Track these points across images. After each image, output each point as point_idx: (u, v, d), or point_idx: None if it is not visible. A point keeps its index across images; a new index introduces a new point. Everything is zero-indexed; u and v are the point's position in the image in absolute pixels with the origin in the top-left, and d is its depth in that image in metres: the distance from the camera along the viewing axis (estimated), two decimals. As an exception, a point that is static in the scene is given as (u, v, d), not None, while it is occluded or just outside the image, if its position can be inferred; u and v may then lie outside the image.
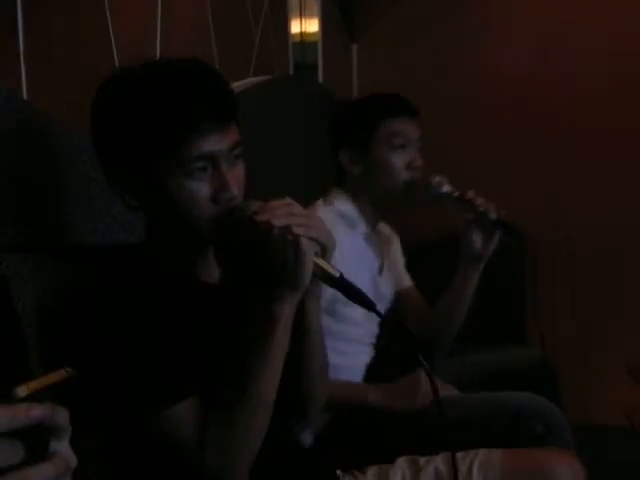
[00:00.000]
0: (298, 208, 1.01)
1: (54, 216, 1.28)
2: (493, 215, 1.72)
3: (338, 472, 1.39)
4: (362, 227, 1.77)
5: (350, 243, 1.67)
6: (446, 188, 1.73)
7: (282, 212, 0.99)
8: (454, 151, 2.90)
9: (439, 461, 1.40)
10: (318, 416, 1.29)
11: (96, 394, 0.99)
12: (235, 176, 1.05)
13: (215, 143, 1.02)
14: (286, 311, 0.99)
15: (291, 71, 2.98)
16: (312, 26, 3.20)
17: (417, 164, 1.71)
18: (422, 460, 1.42)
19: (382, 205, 1.78)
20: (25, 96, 1.49)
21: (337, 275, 1.00)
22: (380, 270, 1.82)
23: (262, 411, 1.01)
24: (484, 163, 2.86)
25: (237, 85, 2.35)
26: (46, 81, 1.48)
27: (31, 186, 1.22)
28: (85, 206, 1.31)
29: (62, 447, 0.54)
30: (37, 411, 0.51)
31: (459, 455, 1.37)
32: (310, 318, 1.11)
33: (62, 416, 0.53)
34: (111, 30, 1.94)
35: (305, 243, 0.97)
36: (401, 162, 1.71)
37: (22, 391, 0.51)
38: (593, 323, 2.76)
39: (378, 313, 1.05)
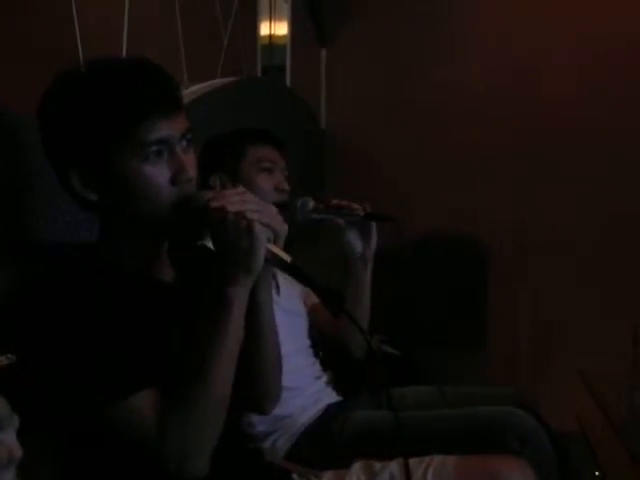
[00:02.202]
0: (251, 196, 1.04)
1: (14, 213, 1.27)
2: (360, 212, 1.76)
3: (294, 476, 1.40)
4: None
5: None
6: (312, 204, 1.77)
7: (236, 199, 1.03)
8: (419, 157, 2.94)
9: (394, 466, 1.42)
10: (272, 409, 1.29)
11: (47, 385, 0.99)
12: (189, 159, 1.08)
13: (168, 129, 1.06)
14: (240, 294, 1.02)
15: (259, 74, 2.97)
16: (281, 29, 3.20)
17: (284, 187, 1.76)
18: (377, 465, 1.44)
19: None
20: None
21: (289, 260, 1.03)
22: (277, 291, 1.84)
23: (220, 396, 1.02)
24: (447, 171, 2.89)
25: (204, 86, 2.35)
26: (9, 78, 1.47)
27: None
28: (46, 204, 1.30)
29: (6, 437, 0.53)
30: None
31: (414, 461, 1.39)
32: (262, 306, 1.14)
33: (3, 405, 0.52)
34: (77, 29, 1.93)
35: (258, 228, 1.00)
36: (270, 184, 1.76)
37: None
38: (550, 326, 2.82)
39: (331, 298, 1.09)
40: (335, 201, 1.78)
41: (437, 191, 2.91)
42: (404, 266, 2.53)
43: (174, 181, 1.06)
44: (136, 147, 1.04)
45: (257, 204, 1.03)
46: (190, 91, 2.26)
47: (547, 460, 1.63)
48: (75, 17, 1.98)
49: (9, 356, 0.51)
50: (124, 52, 2.13)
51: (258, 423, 1.68)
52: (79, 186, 1.08)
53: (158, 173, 1.05)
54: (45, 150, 1.10)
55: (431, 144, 2.94)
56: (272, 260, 1.03)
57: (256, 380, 1.20)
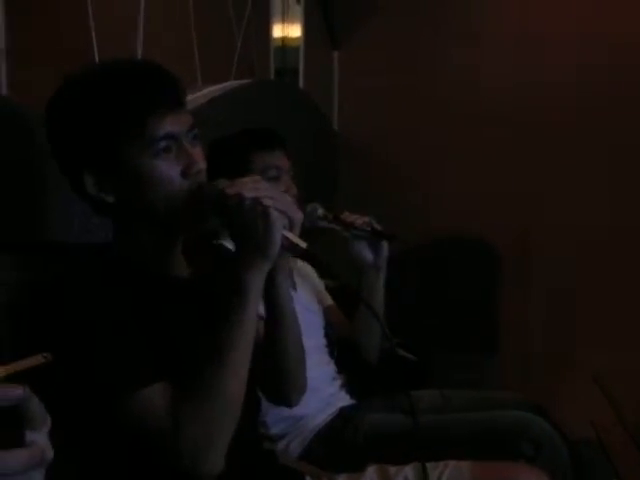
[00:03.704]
0: (266, 184, 1.06)
1: (31, 213, 1.28)
2: (367, 227, 1.76)
3: (308, 479, 1.40)
4: None
5: None
6: (320, 212, 1.76)
7: (252, 186, 1.04)
8: (432, 159, 2.93)
9: (409, 471, 1.41)
10: (299, 401, 1.29)
11: (65, 382, 0.99)
12: (198, 152, 1.11)
13: (174, 124, 1.08)
14: (257, 279, 1.04)
15: (272, 76, 2.97)
16: (294, 31, 3.20)
17: (293, 192, 1.74)
18: (392, 469, 1.43)
19: None
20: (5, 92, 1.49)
21: (304, 246, 1.04)
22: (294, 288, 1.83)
23: (236, 384, 1.02)
24: (460, 172, 2.88)
25: (217, 88, 2.35)
26: (28, 79, 1.48)
27: (8, 182, 1.22)
28: (62, 205, 1.31)
29: (39, 438, 0.53)
30: (17, 391, 0.49)
31: (429, 465, 1.38)
32: (281, 293, 1.15)
33: (37, 405, 0.52)
34: (93, 33, 1.93)
35: (274, 214, 1.02)
36: None
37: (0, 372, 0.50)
38: (563, 329, 2.80)
39: (344, 284, 1.08)
40: (344, 215, 1.78)
41: (450, 193, 2.90)
42: (415, 269, 2.52)
43: (185, 174, 1.07)
44: (145, 144, 1.06)
45: (272, 191, 1.05)
46: (203, 93, 2.26)
47: (562, 466, 1.62)
48: (91, 18, 1.99)
49: (45, 355, 0.51)
50: (139, 54, 2.14)
51: (271, 424, 1.68)
52: (94, 190, 1.09)
53: (169, 167, 1.07)
54: (57, 159, 1.11)
55: (444, 145, 2.93)
56: (288, 247, 1.04)
57: (281, 370, 1.21)
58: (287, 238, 1.03)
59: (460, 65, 2.90)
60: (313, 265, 1.09)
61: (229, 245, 1.68)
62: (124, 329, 1.02)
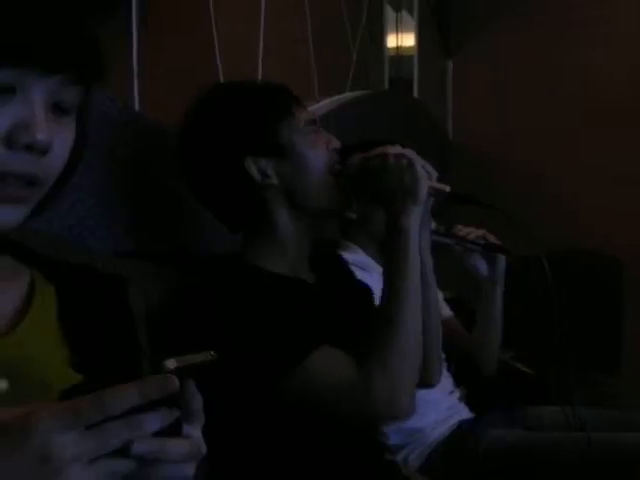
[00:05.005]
0: (399, 147, 1.21)
1: (166, 225, 1.34)
2: (480, 241, 1.72)
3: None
4: (375, 267, 1.79)
5: (375, 286, 1.67)
6: (433, 225, 1.73)
7: (390, 147, 1.19)
8: (550, 168, 2.86)
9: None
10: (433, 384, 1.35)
11: (230, 379, 1.03)
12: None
13: (309, 114, 1.25)
14: (412, 223, 1.16)
15: (386, 86, 2.98)
16: (408, 41, 3.20)
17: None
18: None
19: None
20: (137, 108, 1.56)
21: (448, 189, 1.20)
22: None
23: (412, 313, 1.13)
24: (580, 184, 2.80)
25: (334, 100, 2.38)
26: (157, 96, 1.56)
27: (146, 195, 1.28)
28: (193, 216, 1.36)
29: (194, 433, 0.54)
30: (175, 384, 0.50)
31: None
32: (423, 250, 1.25)
33: (198, 400, 0.54)
34: (217, 48, 2.00)
35: (419, 164, 1.16)
36: None
37: (171, 364, 0.52)
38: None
39: (498, 210, 1.25)
40: (457, 228, 1.75)
41: (570, 205, 2.82)
42: (534, 282, 2.45)
43: (327, 148, 1.21)
44: (296, 126, 1.20)
45: (408, 150, 1.19)
46: (320, 105, 2.29)
47: None
48: (215, 36, 2.06)
49: (212, 353, 0.53)
50: (259, 68, 2.20)
51: (391, 435, 1.67)
52: (259, 176, 1.19)
53: (319, 139, 1.22)
54: (212, 161, 1.19)
55: (563, 155, 2.85)
56: (434, 193, 1.19)
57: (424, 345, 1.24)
58: (431, 186, 1.17)
59: (581, 72, 2.82)
60: (461, 203, 1.25)
61: (348, 255, 1.72)
62: (282, 312, 1.11)
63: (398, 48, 3.15)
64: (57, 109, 0.65)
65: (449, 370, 1.87)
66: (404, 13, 3.25)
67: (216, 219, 1.25)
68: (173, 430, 0.53)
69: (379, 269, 1.80)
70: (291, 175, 1.19)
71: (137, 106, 1.68)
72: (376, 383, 1.06)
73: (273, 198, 1.19)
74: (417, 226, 1.16)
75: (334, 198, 1.21)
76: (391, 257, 1.16)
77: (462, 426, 1.74)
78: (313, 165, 1.19)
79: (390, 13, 3.18)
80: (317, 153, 1.19)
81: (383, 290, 1.17)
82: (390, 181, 1.16)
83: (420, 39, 3.11)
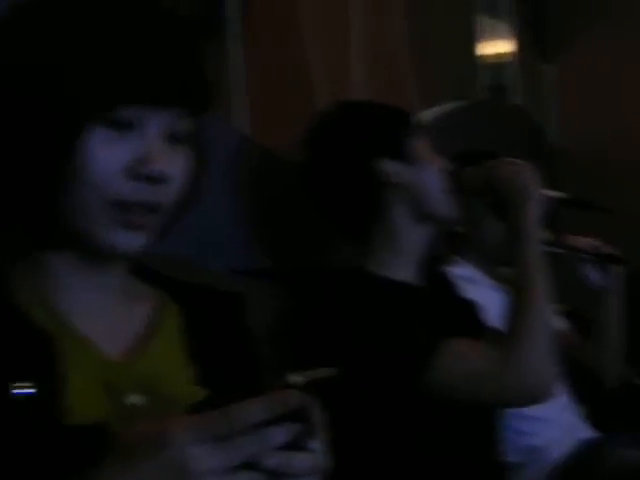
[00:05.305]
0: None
1: (281, 243, 1.38)
2: (592, 251, 1.70)
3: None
4: (484, 280, 1.74)
5: (485, 299, 1.62)
6: (543, 235, 1.66)
7: (504, 163, 1.35)
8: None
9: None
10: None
11: (360, 391, 1.15)
12: None
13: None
14: (532, 222, 1.27)
15: (484, 94, 2.95)
16: (505, 47, 3.16)
17: None
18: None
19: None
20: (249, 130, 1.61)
21: (559, 195, 1.39)
22: None
23: (542, 317, 1.21)
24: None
25: (433, 111, 2.35)
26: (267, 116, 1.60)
27: (265, 214, 1.33)
28: (302, 234, 1.39)
29: (318, 447, 0.55)
30: (296, 400, 0.52)
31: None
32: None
33: (319, 415, 0.55)
34: (311, 66, 2.02)
35: (532, 175, 1.32)
36: None
37: (295, 379, 0.53)
38: None
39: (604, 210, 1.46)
40: (567, 237, 1.72)
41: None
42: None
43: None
44: (417, 140, 1.36)
45: (517, 161, 1.35)
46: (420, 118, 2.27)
47: None
48: (309, 53, 2.08)
49: (335, 369, 0.54)
50: (355, 81, 2.20)
51: (509, 453, 1.61)
52: (386, 177, 1.29)
53: (434, 155, 1.37)
54: (344, 165, 1.29)
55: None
56: (545, 200, 1.30)
57: None
58: (542, 193, 1.31)
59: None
60: (575, 206, 1.41)
61: (456, 270, 1.69)
62: (409, 316, 1.21)
63: (494, 55, 3.12)
64: (172, 139, 0.69)
65: (569, 387, 1.78)
66: (501, 19, 3.21)
67: (338, 229, 1.31)
68: (297, 444, 0.53)
69: (490, 282, 1.76)
70: (416, 181, 1.29)
71: (248, 127, 1.72)
72: (512, 367, 1.14)
73: (398, 201, 1.27)
74: (536, 227, 1.26)
75: (453, 208, 1.31)
76: (518, 260, 1.25)
77: (584, 445, 1.66)
78: (435, 176, 1.31)
79: (486, 20, 3.15)
80: (435, 167, 1.31)
81: (514, 283, 1.25)
82: (504, 189, 1.27)
83: (518, 44, 3.06)
